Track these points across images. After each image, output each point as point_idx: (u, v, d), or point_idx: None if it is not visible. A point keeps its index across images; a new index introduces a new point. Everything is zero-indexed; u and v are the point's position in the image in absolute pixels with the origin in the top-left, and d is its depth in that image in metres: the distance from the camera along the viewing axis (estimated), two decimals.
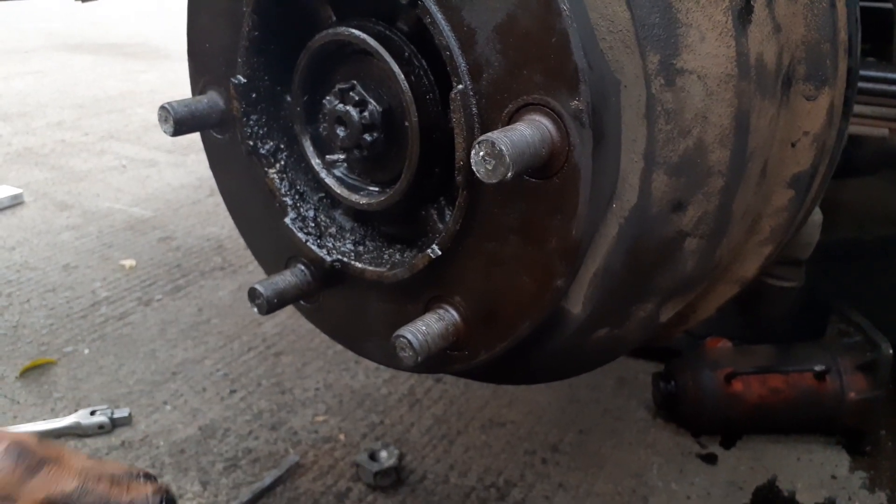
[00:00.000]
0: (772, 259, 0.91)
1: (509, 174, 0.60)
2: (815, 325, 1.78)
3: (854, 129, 1.49)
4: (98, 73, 5.57)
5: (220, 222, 2.83)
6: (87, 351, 2.03)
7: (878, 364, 1.63)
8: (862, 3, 1.38)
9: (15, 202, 3.05)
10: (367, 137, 0.79)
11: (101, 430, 1.68)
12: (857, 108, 1.45)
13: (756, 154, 0.75)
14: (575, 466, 1.63)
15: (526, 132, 0.63)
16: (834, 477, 1.60)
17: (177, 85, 5.13)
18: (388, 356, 0.82)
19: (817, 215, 1.03)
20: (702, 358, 1.71)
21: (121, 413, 1.71)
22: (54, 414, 1.76)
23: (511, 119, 0.67)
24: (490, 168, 0.61)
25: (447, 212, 0.82)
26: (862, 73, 1.41)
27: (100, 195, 3.13)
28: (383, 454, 1.57)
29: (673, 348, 1.88)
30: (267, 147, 0.89)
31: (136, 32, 7.26)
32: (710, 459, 1.65)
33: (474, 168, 0.61)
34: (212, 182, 1.03)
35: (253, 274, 2.43)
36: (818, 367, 1.61)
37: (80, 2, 2.70)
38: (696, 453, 1.67)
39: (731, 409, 1.65)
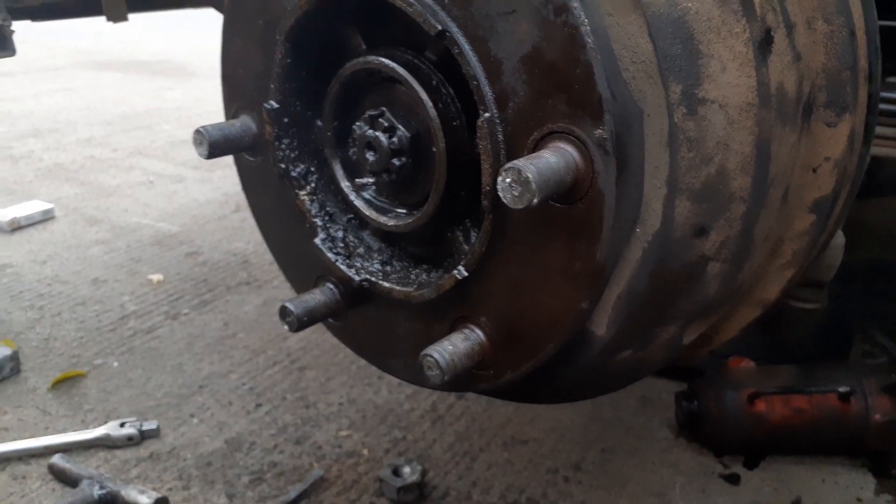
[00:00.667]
0: (794, 282, 0.91)
1: (535, 200, 0.62)
2: (839, 346, 1.78)
3: (876, 150, 1.49)
4: (126, 90, 5.70)
5: (245, 237, 2.88)
6: (116, 364, 2.07)
7: None
8: (883, 22, 1.39)
9: (46, 217, 3.12)
10: (396, 162, 0.81)
11: (130, 441, 1.71)
12: (880, 130, 1.46)
13: (777, 180, 0.76)
14: (597, 485, 1.63)
15: (551, 159, 0.65)
16: (859, 500, 1.59)
17: (202, 102, 5.23)
18: (414, 374, 0.84)
19: (840, 238, 1.04)
20: (725, 378, 1.71)
21: (149, 425, 1.75)
22: (85, 425, 1.80)
23: (536, 146, 0.69)
24: (516, 194, 0.63)
25: (473, 234, 0.84)
26: (883, 94, 1.42)
27: (128, 210, 3.19)
28: (406, 470, 1.58)
29: (696, 368, 1.87)
30: (298, 170, 0.92)
31: (163, 50, 7.41)
32: (734, 480, 1.65)
33: (501, 194, 0.63)
34: (238, 198, 1.07)
35: (278, 289, 2.47)
36: (842, 389, 1.60)
37: (110, 21, 2.77)
38: (718, 473, 1.67)
39: (754, 430, 1.65)
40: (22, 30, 2.58)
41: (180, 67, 6.53)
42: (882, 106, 1.42)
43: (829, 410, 1.63)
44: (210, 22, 2.47)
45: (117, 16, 2.53)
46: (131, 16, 2.54)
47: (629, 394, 1.93)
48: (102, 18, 2.53)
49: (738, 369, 1.75)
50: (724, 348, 1.84)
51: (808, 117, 0.80)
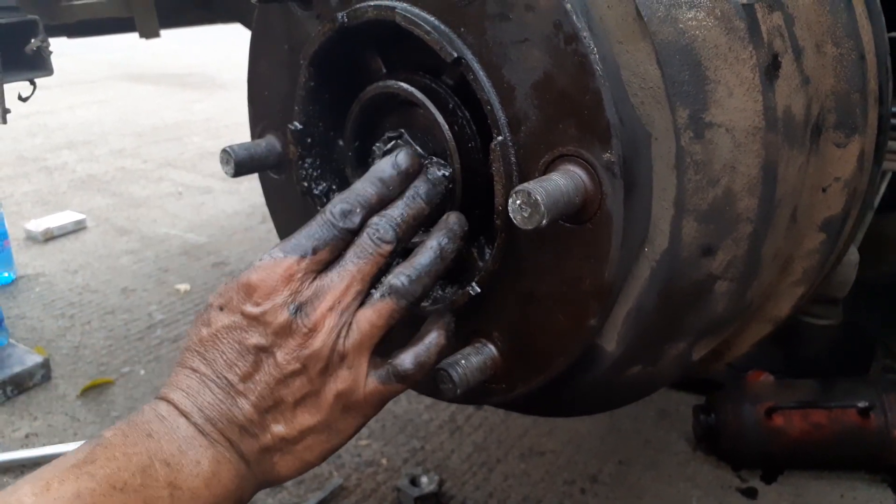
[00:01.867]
0: (805, 299, 0.93)
1: (544, 221, 0.65)
2: (860, 361, 1.77)
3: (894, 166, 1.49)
4: (157, 102, 5.82)
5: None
6: (142, 372, 2.13)
7: None
8: None
9: (78, 227, 3.21)
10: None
11: None
12: None
13: (785, 201, 0.78)
14: (614, 497, 1.64)
15: (560, 182, 0.67)
16: None
17: (231, 113, 5.32)
18: (428, 387, 0.86)
19: (853, 255, 1.05)
20: (743, 391, 1.72)
21: None
22: None
23: (547, 168, 0.71)
24: (526, 216, 0.65)
25: (487, 251, 0.86)
26: None
27: (157, 221, 3.27)
28: (424, 480, 1.61)
29: (714, 381, 1.88)
30: (320, 188, 0.95)
31: (193, 63, 7.55)
32: (751, 494, 1.65)
33: (511, 215, 0.66)
34: (264, 209, 1.10)
35: None
36: (862, 404, 1.60)
37: (142, 38, 2.85)
38: (736, 487, 1.67)
39: (771, 444, 1.65)
40: (58, 44, 2.66)
41: (210, 79, 6.66)
42: None
43: (849, 425, 1.63)
44: (238, 36, 2.53)
45: (150, 32, 2.61)
46: (163, 31, 2.62)
47: (647, 406, 1.94)
48: (136, 34, 2.61)
49: (756, 383, 1.75)
50: (743, 362, 1.86)
51: (816, 138, 0.82)
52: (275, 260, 0.70)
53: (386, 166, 0.75)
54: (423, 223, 0.77)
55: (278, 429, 0.68)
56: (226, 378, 0.68)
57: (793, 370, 1.80)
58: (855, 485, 1.66)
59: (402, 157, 0.76)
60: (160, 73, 7.18)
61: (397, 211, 0.73)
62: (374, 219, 0.72)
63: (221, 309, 0.70)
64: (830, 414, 1.64)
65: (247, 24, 2.50)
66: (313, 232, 0.71)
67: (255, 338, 0.68)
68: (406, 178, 0.76)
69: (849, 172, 0.84)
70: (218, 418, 0.67)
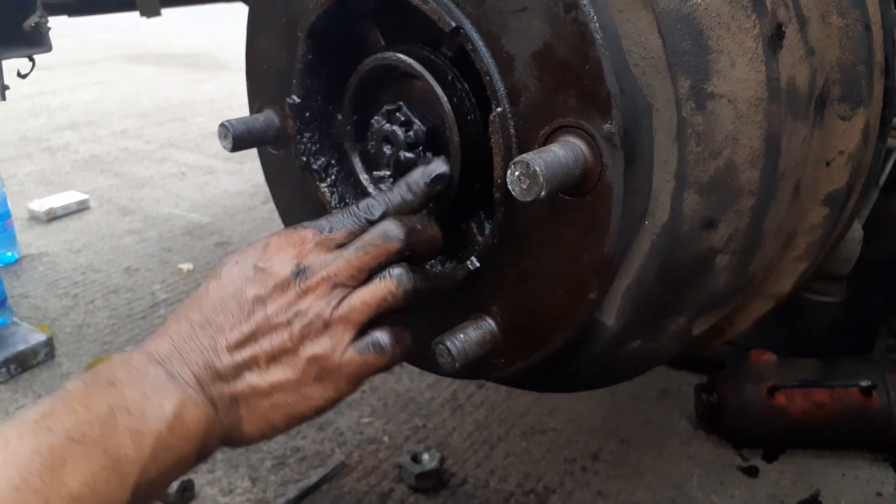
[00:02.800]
0: (807, 275, 0.92)
1: (543, 193, 0.64)
2: (863, 341, 1.76)
3: None
4: (160, 83, 5.79)
5: (274, 228, 2.91)
6: None
7: None
8: None
9: (81, 207, 3.21)
10: (412, 155, 0.83)
11: None
12: None
13: (788, 173, 0.77)
14: (615, 475, 1.65)
15: (559, 153, 0.66)
16: (879, 494, 1.58)
17: (234, 94, 5.30)
18: (427, 362, 0.86)
19: (857, 231, 1.04)
20: (745, 370, 1.71)
21: None
22: None
23: (547, 140, 0.71)
24: (525, 187, 0.64)
25: (486, 225, 0.86)
26: None
27: (160, 201, 3.26)
28: (425, 457, 1.61)
29: (717, 360, 1.88)
30: (319, 163, 0.94)
31: (196, 44, 7.51)
32: (752, 472, 1.65)
33: (510, 187, 0.65)
34: (267, 190, 1.10)
35: None
36: (864, 383, 1.60)
37: (143, 16, 2.83)
38: (737, 466, 1.67)
39: (773, 423, 1.65)
40: (60, 25, 2.65)
41: (213, 60, 6.62)
42: None
43: (851, 405, 1.62)
44: (241, 16, 2.51)
45: (150, 11, 2.59)
46: (164, 10, 2.60)
47: (649, 385, 1.94)
48: (136, 13, 2.59)
49: (758, 362, 1.75)
50: (745, 341, 1.85)
51: (821, 111, 0.80)
52: (295, 229, 0.76)
53: (419, 177, 0.79)
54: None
55: (251, 378, 0.70)
56: (217, 323, 0.70)
57: (795, 349, 1.80)
58: (856, 464, 1.66)
59: (435, 169, 0.79)
60: (163, 53, 7.15)
61: (416, 219, 0.77)
62: (391, 218, 0.76)
63: (237, 263, 0.74)
64: (833, 393, 1.63)
65: (248, 2, 2.49)
66: (335, 217, 0.77)
67: (255, 288, 0.71)
68: (434, 188, 0.79)
69: (853, 146, 0.83)
70: (195, 361, 0.68)
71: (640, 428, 1.80)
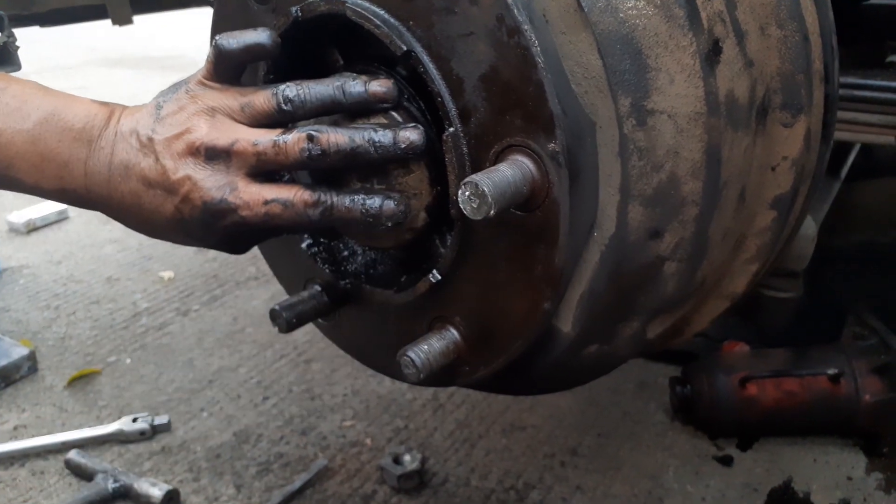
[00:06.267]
0: (759, 275, 0.95)
1: (492, 212, 0.67)
2: (829, 329, 1.81)
3: (862, 137, 1.51)
4: (138, 87, 5.76)
5: None
6: (128, 361, 2.15)
7: (893, 366, 1.65)
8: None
9: (61, 217, 3.20)
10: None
11: (142, 436, 1.79)
12: (864, 118, 1.48)
13: (731, 182, 0.80)
14: (593, 469, 1.68)
15: (508, 172, 0.69)
16: (850, 478, 1.63)
17: None
18: (396, 371, 0.89)
19: (811, 229, 1.08)
20: (717, 362, 1.75)
21: (160, 420, 1.82)
22: (99, 421, 1.87)
23: (497, 158, 0.73)
24: (475, 206, 0.67)
25: (448, 238, 0.88)
26: (867, 82, 1.45)
27: None
28: (407, 458, 1.64)
29: (691, 352, 1.92)
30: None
31: (174, 46, 7.47)
32: (726, 461, 1.69)
33: (461, 206, 0.68)
34: None
35: None
36: (832, 371, 1.64)
37: (115, 25, 2.83)
38: (712, 455, 1.71)
39: (746, 413, 1.69)
40: (33, 31, 2.64)
41: (192, 63, 6.59)
42: (866, 94, 1.45)
43: (820, 392, 1.67)
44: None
45: (122, 19, 2.59)
46: (137, 18, 2.60)
47: (626, 378, 1.98)
48: (108, 22, 2.59)
49: (730, 353, 1.79)
50: (718, 333, 1.89)
51: (763, 119, 0.84)
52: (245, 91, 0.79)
53: (353, 86, 0.77)
54: (360, 166, 0.80)
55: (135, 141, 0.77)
56: (158, 104, 0.78)
57: (766, 339, 1.84)
58: (828, 449, 1.71)
59: (376, 85, 0.77)
60: (141, 56, 7.10)
61: (343, 142, 0.75)
62: (313, 132, 0.74)
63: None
64: (802, 381, 1.68)
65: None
66: (265, 98, 0.77)
67: (207, 101, 0.77)
68: (368, 104, 0.78)
69: (796, 151, 0.87)
70: (125, 115, 0.79)
71: (617, 421, 1.84)
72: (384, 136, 0.75)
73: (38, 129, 0.78)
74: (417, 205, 0.84)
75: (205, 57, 0.82)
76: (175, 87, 0.80)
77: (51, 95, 0.80)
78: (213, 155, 0.74)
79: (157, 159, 0.75)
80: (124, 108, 0.81)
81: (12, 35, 1.54)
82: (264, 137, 0.74)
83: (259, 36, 0.78)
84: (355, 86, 0.77)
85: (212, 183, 0.74)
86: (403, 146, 0.76)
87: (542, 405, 1.90)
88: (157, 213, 0.77)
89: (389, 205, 0.77)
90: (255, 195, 0.75)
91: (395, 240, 0.89)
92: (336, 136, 0.74)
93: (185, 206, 0.75)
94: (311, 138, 0.73)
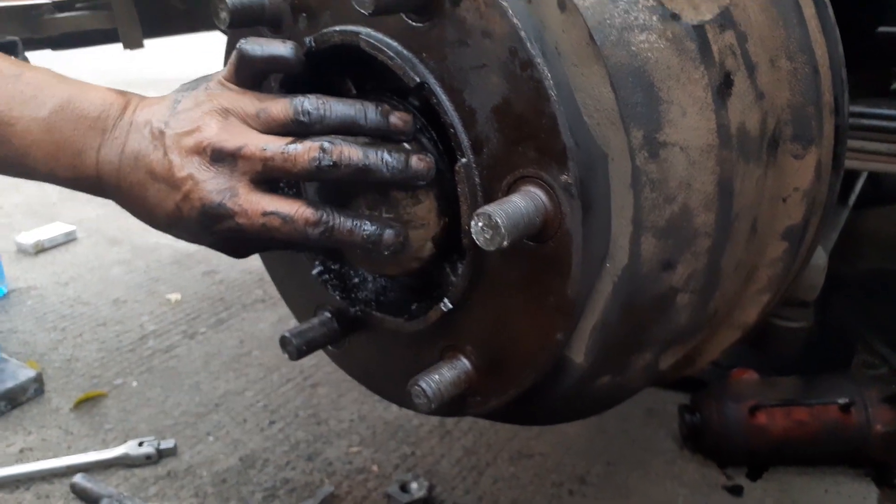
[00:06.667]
0: (771, 305, 0.95)
1: (505, 242, 0.67)
2: (839, 358, 1.79)
3: (870, 166, 1.51)
4: None
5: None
6: (135, 383, 2.15)
7: None
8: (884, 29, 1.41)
9: (69, 239, 3.22)
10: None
11: (148, 460, 1.78)
12: (872, 146, 1.49)
13: (743, 213, 0.80)
14: (601, 497, 1.67)
15: (521, 203, 0.69)
16: None
17: None
18: (406, 400, 0.88)
19: (821, 259, 1.07)
20: (726, 390, 1.74)
21: (167, 444, 1.81)
22: (105, 445, 1.87)
23: (510, 189, 0.73)
24: (488, 237, 0.67)
25: (459, 267, 0.88)
26: (874, 111, 1.45)
27: (147, 230, 3.26)
28: (414, 485, 1.63)
29: (700, 380, 1.90)
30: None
31: (185, 69, 7.53)
32: (736, 491, 1.67)
33: (474, 237, 0.68)
34: None
35: None
36: (842, 400, 1.63)
37: (127, 49, 2.86)
38: (721, 485, 1.69)
39: (755, 442, 1.67)
40: (45, 55, 2.68)
41: None
42: (876, 123, 1.46)
43: (831, 422, 1.65)
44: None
45: (133, 43, 2.62)
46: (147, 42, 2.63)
47: (635, 406, 1.96)
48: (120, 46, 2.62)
49: (739, 381, 1.78)
50: (728, 361, 1.88)
51: (774, 151, 0.84)
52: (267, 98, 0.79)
53: (374, 112, 0.78)
54: (368, 184, 0.81)
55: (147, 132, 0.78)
56: (176, 98, 0.78)
57: (775, 367, 1.83)
58: (839, 479, 1.69)
59: (395, 117, 0.79)
60: (151, 79, 7.17)
61: (356, 157, 0.75)
62: (327, 143, 0.74)
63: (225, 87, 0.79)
64: (812, 411, 1.66)
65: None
66: (282, 107, 0.77)
67: (222, 102, 0.77)
68: (386, 133, 0.79)
69: (807, 182, 0.87)
70: (141, 107, 0.79)
71: (626, 449, 1.82)
72: (397, 160, 0.76)
73: (53, 117, 0.78)
74: (424, 235, 0.84)
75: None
76: (195, 83, 0.80)
77: (65, 83, 0.81)
78: (218, 157, 0.74)
79: (165, 153, 0.75)
80: (141, 98, 0.82)
81: (26, 60, 1.56)
82: (274, 144, 0.74)
83: (284, 48, 0.78)
84: (377, 112, 0.78)
85: (213, 185, 0.74)
86: (414, 170, 0.76)
87: (549, 432, 1.88)
88: (159, 207, 0.78)
89: (390, 234, 0.78)
90: (254, 204, 0.75)
91: (402, 268, 0.89)
92: (350, 150, 0.75)
93: (185, 205, 0.75)
94: (324, 149, 0.73)
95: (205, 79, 0.80)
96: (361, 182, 0.78)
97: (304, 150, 0.74)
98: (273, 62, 0.78)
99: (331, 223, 0.76)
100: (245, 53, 0.77)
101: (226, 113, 0.76)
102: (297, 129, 0.76)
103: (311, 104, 0.76)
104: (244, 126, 0.76)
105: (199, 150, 0.74)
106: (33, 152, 0.79)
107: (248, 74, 0.78)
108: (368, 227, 0.77)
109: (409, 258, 0.86)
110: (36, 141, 0.78)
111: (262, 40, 0.79)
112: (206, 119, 0.75)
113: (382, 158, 0.75)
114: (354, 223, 0.77)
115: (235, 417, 1.97)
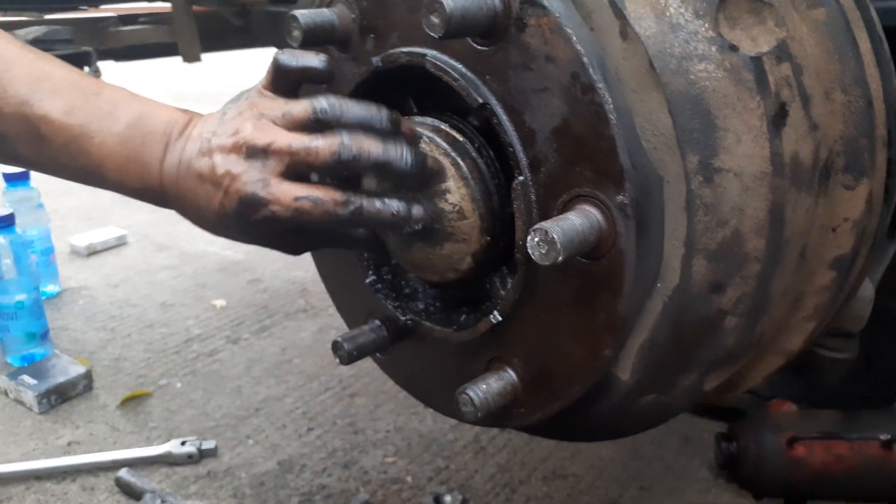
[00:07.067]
0: (816, 334, 0.96)
1: (560, 258, 0.70)
2: (883, 392, 1.77)
3: None
4: None
5: (304, 267, 3.00)
6: (179, 385, 2.20)
7: None
8: None
9: (120, 243, 3.32)
10: None
11: (189, 459, 1.83)
12: None
13: (793, 241, 0.82)
14: None
15: (576, 221, 0.72)
16: None
17: None
18: (451, 409, 0.91)
19: (868, 291, 1.08)
20: (765, 420, 1.73)
21: (208, 445, 1.86)
22: (149, 442, 1.92)
23: (565, 207, 0.76)
24: (543, 252, 0.70)
25: (509, 280, 0.91)
26: None
27: (196, 237, 3.37)
28: (448, 498, 1.65)
29: (737, 409, 1.89)
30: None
31: (232, 83, 7.72)
32: None
33: (530, 252, 0.71)
34: None
35: (333, 317, 2.58)
36: (884, 436, 1.60)
37: (185, 62, 2.97)
38: None
39: (792, 474, 1.66)
40: (108, 66, 2.79)
41: None
42: None
43: (871, 458, 1.63)
44: None
45: (192, 57, 2.72)
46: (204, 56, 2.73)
47: (670, 432, 1.95)
48: (179, 59, 2.72)
49: (778, 412, 1.76)
50: (766, 391, 1.87)
51: (825, 181, 0.85)
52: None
53: (384, 116, 0.83)
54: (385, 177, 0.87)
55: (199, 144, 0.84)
56: (224, 111, 0.85)
57: (815, 399, 1.81)
58: None
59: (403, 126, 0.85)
60: (200, 91, 7.38)
61: (375, 149, 0.80)
62: (346, 138, 0.80)
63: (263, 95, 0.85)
64: (852, 445, 1.64)
65: (282, 48, 2.60)
66: (303, 107, 0.82)
67: (259, 107, 0.83)
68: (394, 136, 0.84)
69: (858, 213, 0.88)
70: (199, 122, 0.86)
71: (660, 475, 1.82)
72: (416, 153, 0.82)
73: (126, 132, 0.86)
74: (466, 249, 0.87)
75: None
76: (240, 96, 0.87)
77: (138, 101, 0.89)
78: (252, 152, 0.80)
79: (210, 156, 0.82)
80: (201, 115, 0.90)
81: (98, 71, 1.64)
82: (299, 139, 0.80)
83: (315, 60, 0.84)
84: (388, 118, 0.84)
85: (248, 177, 0.80)
86: (430, 167, 0.84)
87: (583, 454, 1.88)
88: (207, 208, 0.84)
89: (418, 209, 0.84)
90: (286, 192, 0.80)
91: (440, 276, 0.92)
92: (370, 144, 0.80)
93: (227, 200, 0.81)
94: (343, 143, 0.79)
95: (246, 91, 0.88)
96: (382, 176, 0.85)
97: (326, 145, 0.80)
98: (306, 72, 0.84)
99: (359, 202, 0.82)
100: (281, 64, 0.84)
101: (260, 116, 0.82)
102: (316, 126, 0.82)
103: (327, 103, 0.82)
104: (273, 126, 0.82)
105: (237, 149, 0.81)
106: (107, 163, 0.87)
107: (284, 83, 0.85)
108: (396, 204, 0.82)
109: (447, 267, 0.90)
110: (111, 153, 0.86)
111: (297, 52, 0.85)
112: (244, 123, 0.82)
113: (401, 153, 0.80)
114: (382, 200, 0.82)
115: (275, 422, 2.02)
